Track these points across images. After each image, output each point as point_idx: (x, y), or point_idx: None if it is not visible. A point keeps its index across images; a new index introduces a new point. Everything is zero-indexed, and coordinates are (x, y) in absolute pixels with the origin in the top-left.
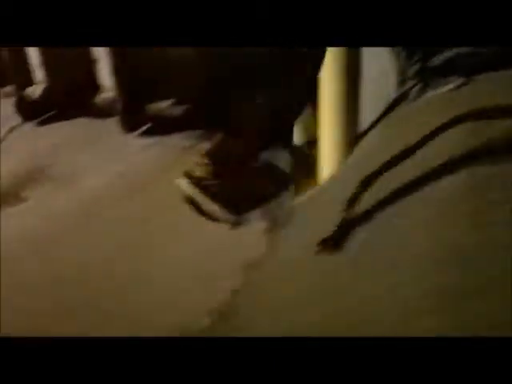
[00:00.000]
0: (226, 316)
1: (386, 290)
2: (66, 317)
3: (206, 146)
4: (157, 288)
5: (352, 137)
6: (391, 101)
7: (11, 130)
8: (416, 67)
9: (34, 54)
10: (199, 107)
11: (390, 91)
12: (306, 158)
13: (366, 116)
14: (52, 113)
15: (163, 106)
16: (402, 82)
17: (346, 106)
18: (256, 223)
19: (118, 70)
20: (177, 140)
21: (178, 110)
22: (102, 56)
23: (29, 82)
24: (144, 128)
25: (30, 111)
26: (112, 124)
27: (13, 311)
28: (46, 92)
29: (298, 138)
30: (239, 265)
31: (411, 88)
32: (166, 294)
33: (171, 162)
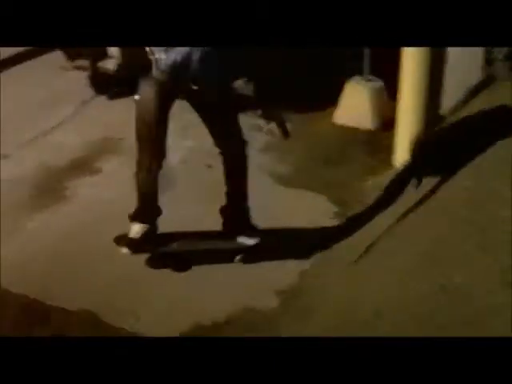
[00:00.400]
0: (295, 297)
1: None
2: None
3: (274, 126)
4: (226, 266)
5: (433, 120)
6: (477, 83)
7: (85, 102)
8: (505, 49)
9: None
10: (270, 86)
11: (477, 73)
12: None
13: (450, 99)
14: (124, 87)
15: (236, 83)
16: (489, 63)
17: (428, 89)
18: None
19: None
20: (247, 118)
21: (250, 88)
22: None
23: (103, 56)
24: None
25: (102, 85)
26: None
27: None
28: (120, 66)
29: (373, 122)
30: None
31: (499, 70)
32: (234, 273)
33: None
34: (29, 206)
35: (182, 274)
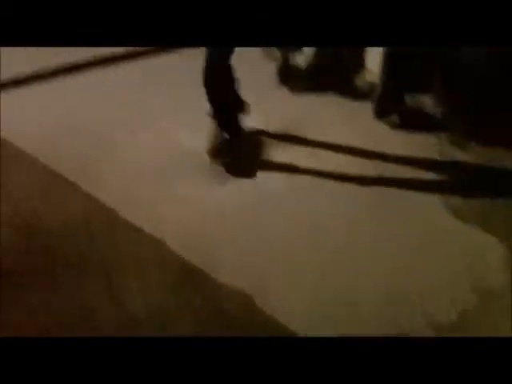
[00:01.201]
0: (476, 317)
1: None
2: None
3: (454, 153)
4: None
5: None
6: None
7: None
8: None
9: None
10: (459, 111)
11: None
12: None
13: None
14: (310, 83)
15: (422, 100)
16: None
17: None
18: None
19: (388, 56)
20: (425, 138)
21: (436, 109)
22: None
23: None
24: (395, 117)
25: (289, 77)
26: (364, 107)
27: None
28: (312, 62)
29: None
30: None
31: None
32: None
33: (415, 157)
34: (208, 177)
35: (342, 271)
